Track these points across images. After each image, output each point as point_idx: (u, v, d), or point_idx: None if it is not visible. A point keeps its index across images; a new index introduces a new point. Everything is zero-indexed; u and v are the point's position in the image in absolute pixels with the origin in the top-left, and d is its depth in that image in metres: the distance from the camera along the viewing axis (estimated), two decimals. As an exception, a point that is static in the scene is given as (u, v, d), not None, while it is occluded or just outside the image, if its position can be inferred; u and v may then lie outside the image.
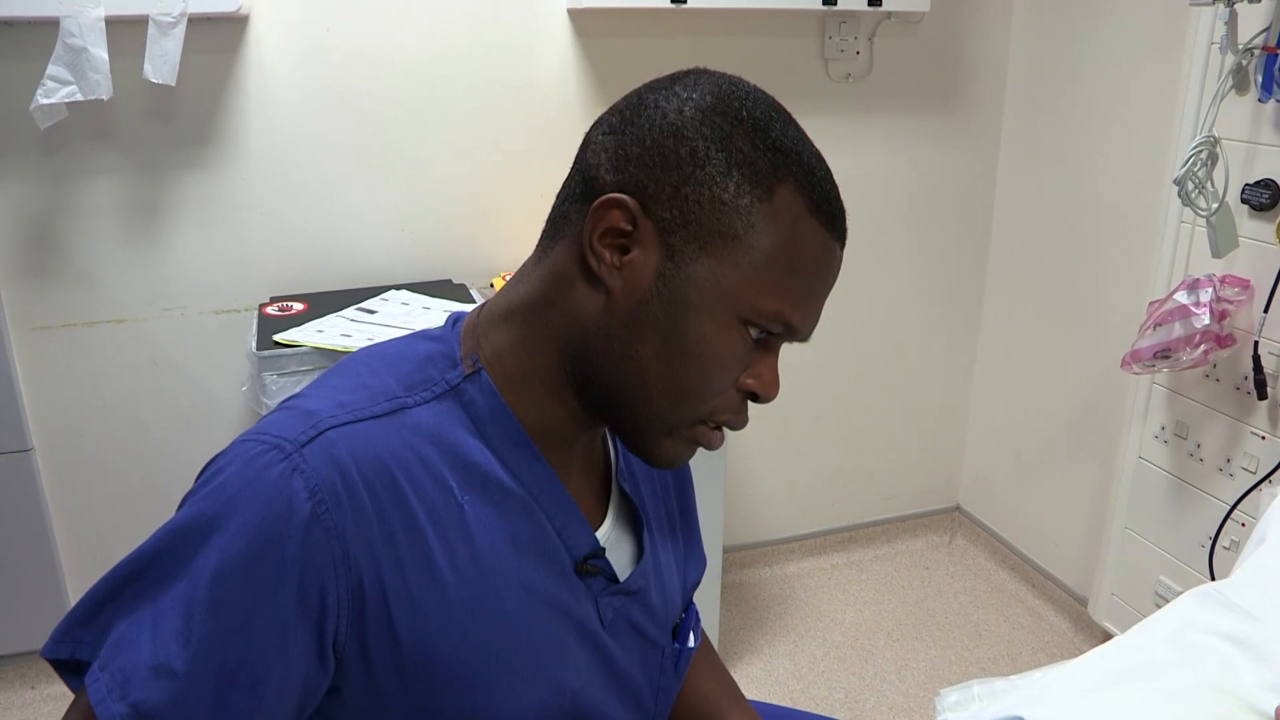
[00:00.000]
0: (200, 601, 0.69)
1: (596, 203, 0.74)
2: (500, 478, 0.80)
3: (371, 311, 2.01)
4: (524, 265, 0.85)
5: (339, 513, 0.71)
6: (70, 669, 0.75)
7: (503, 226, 2.26)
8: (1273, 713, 0.89)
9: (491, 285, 2.22)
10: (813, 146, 0.77)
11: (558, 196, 0.82)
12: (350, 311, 2.00)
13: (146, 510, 2.18)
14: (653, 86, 0.78)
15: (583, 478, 0.88)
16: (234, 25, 2.00)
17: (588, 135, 0.80)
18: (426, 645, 0.75)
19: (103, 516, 2.20)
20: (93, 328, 2.09)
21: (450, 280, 2.23)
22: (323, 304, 2.04)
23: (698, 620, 1.03)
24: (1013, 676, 1.04)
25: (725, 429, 0.82)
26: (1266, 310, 1.77)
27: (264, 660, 0.70)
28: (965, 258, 2.70)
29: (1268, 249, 1.74)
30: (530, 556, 0.81)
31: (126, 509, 2.20)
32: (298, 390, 0.81)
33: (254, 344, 1.85)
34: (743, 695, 1.10)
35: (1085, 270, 2.39)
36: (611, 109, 0.79)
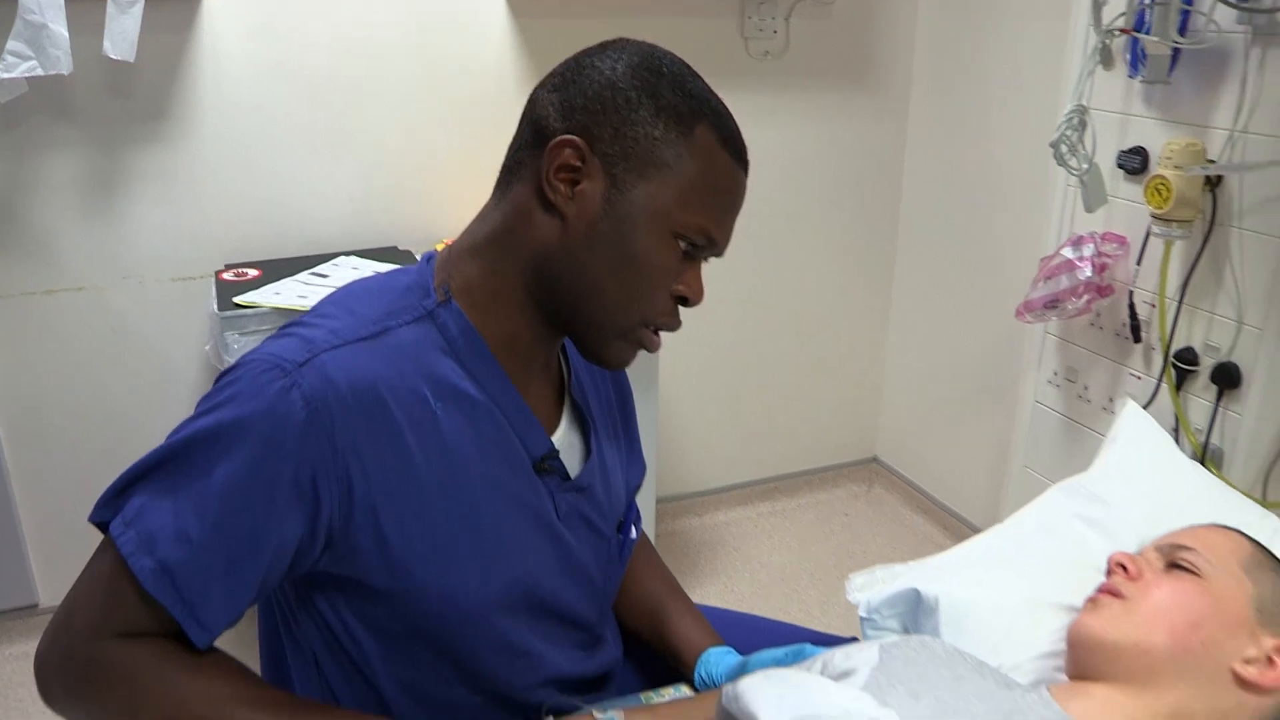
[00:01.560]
0: (215, 493, 0.85)
1: (551, 144, 0.90)
2: (468, 389, 0.95)
3: (324, 276, 2.13)
4: (484, 208, 1.01)
5: (330, 421, 0.86)
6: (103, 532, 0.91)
7: (446, 196, 2.39)
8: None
9: (436, 251, 2.35)
10: (718, 97, 0.95)
11: (509, 148, 0.99)
12: (304, 276, 2.12)
13: (107, 474, 2.27)
14: (588, 52, 0.96)
15: (540, 390, 1.04)
16: (189, 5, 2.10)
17: (533, 95, 0.97)
18: (406, 533, 0.91)
19: (63, 481, 2.29)
20: (52, 296, 2.18)
21: (396, 247, 2.36)
22: (277, 270, 2.15)
23: (639, 517, 1.20)
24: (910, 562, 1.22)
25: (663, 332, 0.98)
26: (1139, 263, 1.98)
27: (263, 535, 0.86)
28: (878, 223, 2.90)
29: (1139, 208, 1.94)
30: (494, 456, 0.97)
31: (87, 473, 2.29)
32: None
33: (215, 306, 1.97)
34: (682, 589, 1.27)
35: (986, 231, 2.60)
36: (552, 72, 0.97)
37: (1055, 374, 2.26)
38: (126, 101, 2.11)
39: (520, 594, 1.00)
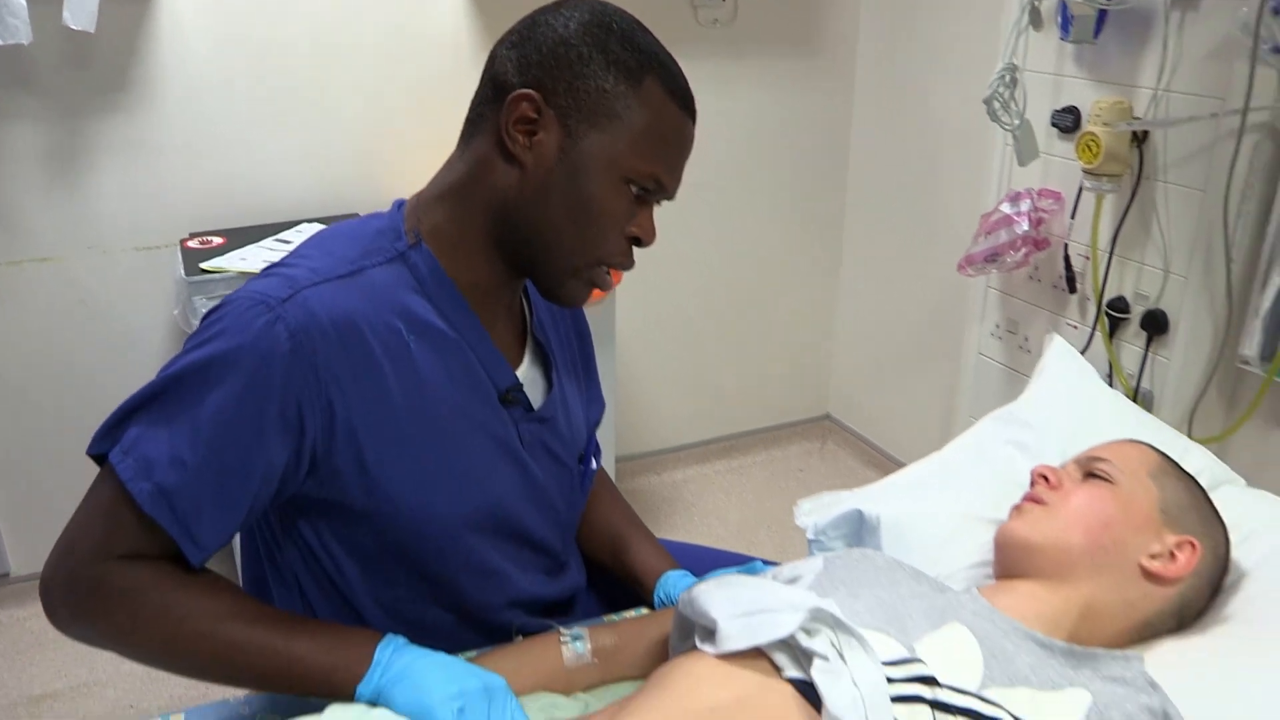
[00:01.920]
0: (207, 417, 0.91)
1: (509, 98, 0.97)
2: (438, 325, 1.02)
3: (288, 242, 2.18)
4: (449, 158, 1.07)
5: (313, 351, 0.93)
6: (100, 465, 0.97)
7: (404, 163, 2.44)
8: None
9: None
10: (666, 50, 1.02)
11: (471, 103, 1.05)
12: (268, 242, 2.17)
13: (76, 442, 2.30)
14: (543, 10, 1.03)
15: (504, 328, 1.11)
16: (146, -25, 2.13)
17: (493, 51, 1.03)
18: (383, 456, 0.98)
19: (33, 450, 2.32)
20: (17, 266, 2.20)
21: (358, 214, 2.40)
22: (241, 238, 2.20)
23: (599, 450, 1.27)
24: (854, 490, 1.31)
25: (618, 270, 1.05)
26: (1073, 216, 2.08)
27: (252, 459, 0.93)
28: (826, 185, 2.99)
29: (1073, 165, 2.04)
30: (463, 387, 1.04)
31: (56, 442, 2.32)
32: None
33: (182, 272, 2.01)
34: (640, 520, 1.35)
35: (930, 191, 2.70)
36: (510, 30, 1.03)
37: (997, 326, 2.36)
38: (87, 72, 2.13)
39: (488, 516, 1.07)
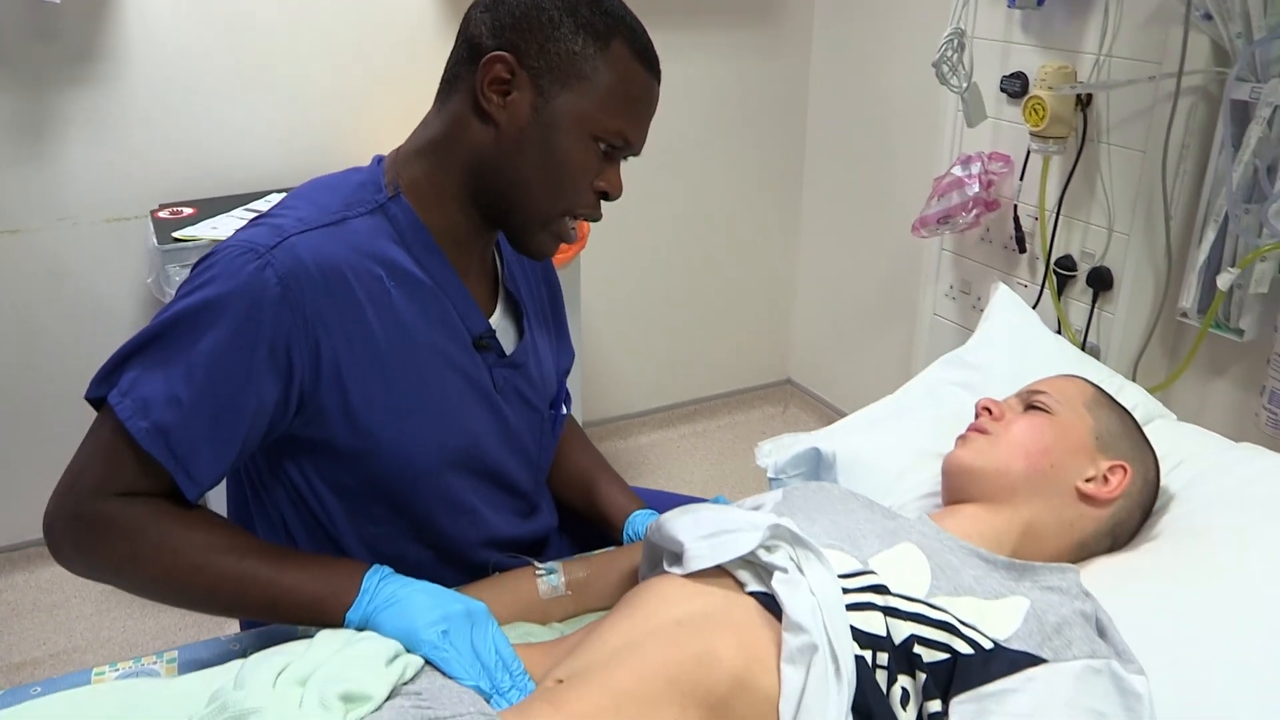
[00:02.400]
0: (201, 359, 0.96)
1: (484, 59, 1.02)
2: (416, 273, 1.08)
3: (258, 210, 2.21)
4: (426, 116, 1.12)
5: (300, 295, 0.98)
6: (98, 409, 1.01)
7: (371, 133, 2.47)
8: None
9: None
10: (633, 13, 1.07)
11: (447, 63, 1.11)
12: (239, 211, 2.20)
13: (50, 413, 2.34)
14: None
15: (478, 279, 1.17)
16: (111, -53, 2.14)
17: (467, 14, 1.09)
18: (367, 394, 1.04)
19: (3, 420, 2.34)
20: (-14, 238, 2.22)
21: (327, 185, 2.44)
22: (211, 208, 2.23)
23: (569, 397, 1.33)
24: (812, 431, 1.38)
25: (586, 221, 1.11)
26: (1022, 179, 2.16)
27: (244, 397, 0.98)
28: (785, 152, 3.06)
29: (1021, 129, 2.11)
30: (440, 332, 1.10)
31: (27, 412, 2.35)
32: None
33: (155, 241, 2.04)
34: (610, 466, 1.41)
35: (884, 155, 2.78)
36: None
37: (951, 287, 2.44)
38: (53, 44, 2.15)
39: (464, 455, 1.13)
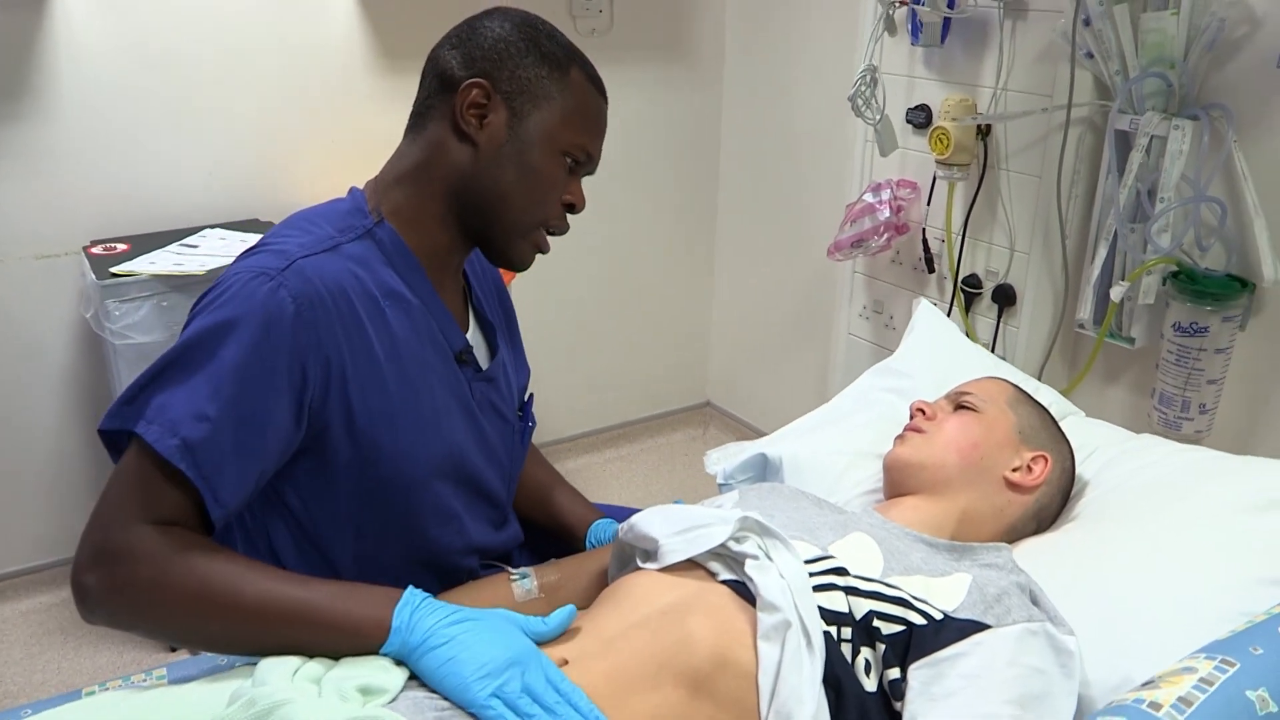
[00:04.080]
0: (224, 375, 1.01)
1: (463, 86, 1.12)
2: (405, 292, 1.15)
3: (194, 246, 2.24)
4: (399, 148, 1.21)
5: (313, 314, 1.05)
6: (112, 444, 1.05)
7: (300, 169, 2.52)
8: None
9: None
10: (579, 49, 1.19)
11: (416, 99, 1.20)
12: (174, 247, 2.23)
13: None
14: (476, 18, 1.19)
15: (453, 297, 1.25)
16: (39, -15, 2.15)
17: (433, 54, 1.19)
18: (368, 404, 1.10)
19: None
20: (-89, 278, 2.20)
21: (258, 219, 2.47)
22: (144, 244, 2.24)
23: (532, 405, 1.41)
24: (756, 440, 1.48)
25: (554, 235, 1.21)
26: (929, 203, 2.31)
27: (265, 413, 1.03)
28: (700, 183, 3.19)
29: (926, 157, 2.27)
30: (427, 347, 1.17)
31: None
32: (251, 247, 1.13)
33: (93, 276, 2.05)
34: (564, 478, 1.49)
35: (796, 184, 2.92)
36: (447, 35, 1.19)
37: (864, 307, 2.58)
38: (-18, 82, 2.15)
39: (450, 462, 1.20)
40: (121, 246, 2.23)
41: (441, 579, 1.25)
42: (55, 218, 2.28)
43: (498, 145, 1.13)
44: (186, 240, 2.26)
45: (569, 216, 1.22)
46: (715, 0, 3.01)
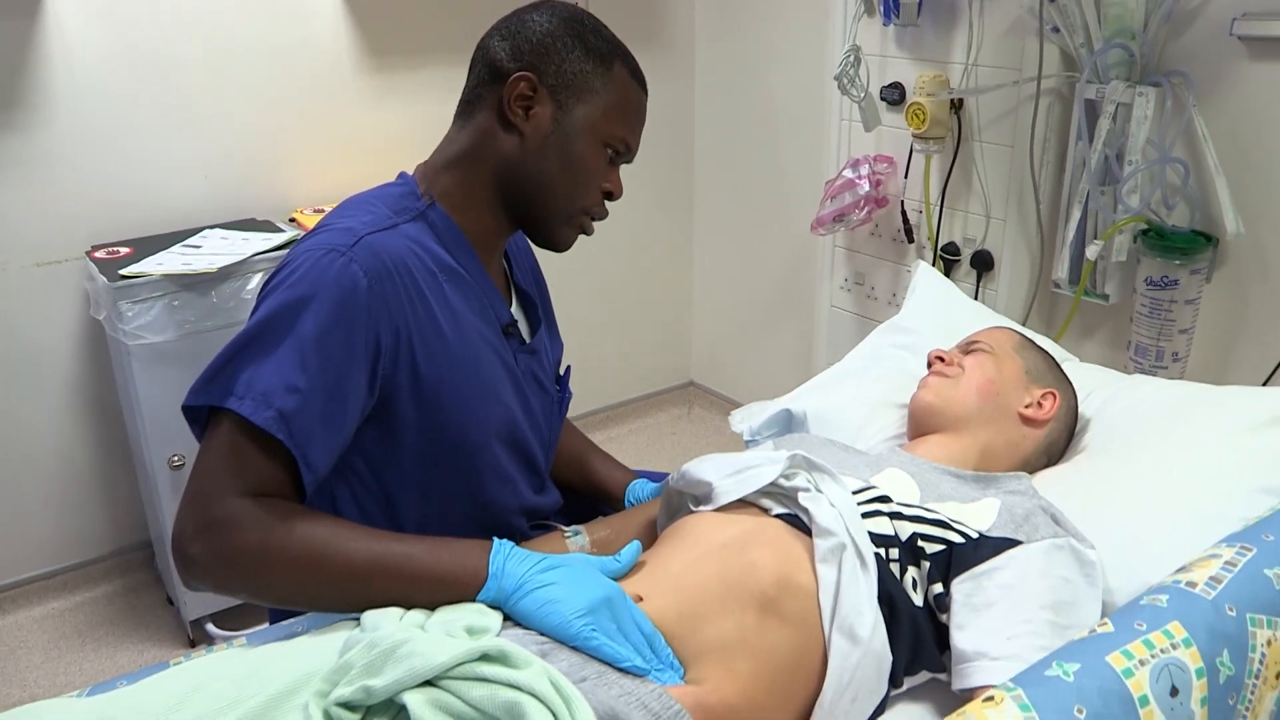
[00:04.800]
0: (308, 346, 1.08)
1: (510, 79, 1.18)
2: (457, 269, 1.22)
3: (197, 246, 2.28)
4: (448, 134, 1.28)
5: (383, 287, 1.12)
6: (195, 419, 1.11)
7: (294, 167, 2.57)
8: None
9: (292, 219, 2.53)
10: (623, 42, 1.26)
11: (466, 86, 1.26)
12: (177, 248, 2.27)
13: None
14: (524, 10, 1.25)
15: (497, 275, 1.32)
16: (32, -8, 2.18)
17: (482, 43, 1.25)
18: (434, 369, 1.17)
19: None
20: (-85, 289, 2.22)
21: (255, 218, 2.52)
22: (146, 247, 2.29)
23: (569, 378, 1.49)
24: (779, 399, 1.58)
25: (595, 219, 1.29)
26: (906, 177, 2.43)
27: (346, 382, 1.10)
28: (676, 167, 3.29)
29: (902, 132, 2.37)
30: (480, 319, 1.25)
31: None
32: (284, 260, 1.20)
33: (104, 279, 2.10)
34: (596, 445, 1.57)
35: (772, 163, 3.03)
36: (495, 27, 1.25)
37: (846, 280, 2.68)
38: (-23, 92, 2.18)
39: (505, 426, 1.28)
40: (124, 250, 2.27)
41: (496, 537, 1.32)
42: (55, 224, 2.32)
43: (543, 136, 1.20)
44: (189, 241, 2.31)
45: (607, 203, 1.29)
46: (685, -10, 3.11)
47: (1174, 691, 0.89)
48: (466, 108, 1.25)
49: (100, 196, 2.35)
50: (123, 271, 2.10)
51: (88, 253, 2.27)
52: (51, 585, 2.54)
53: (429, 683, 0.89)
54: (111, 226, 2.37)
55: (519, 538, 1.35)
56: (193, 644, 2.40)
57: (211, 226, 2.42)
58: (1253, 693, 0.95)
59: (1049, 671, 0.89)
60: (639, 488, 1.47)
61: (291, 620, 1.26)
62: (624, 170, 1.30)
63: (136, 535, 2.62)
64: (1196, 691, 0.90)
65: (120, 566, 2.61)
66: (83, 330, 2.41)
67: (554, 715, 0.84)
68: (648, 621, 1.03)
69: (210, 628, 2.40)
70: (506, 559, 1.08)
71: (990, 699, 0.86)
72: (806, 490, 1.10)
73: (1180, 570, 1.02)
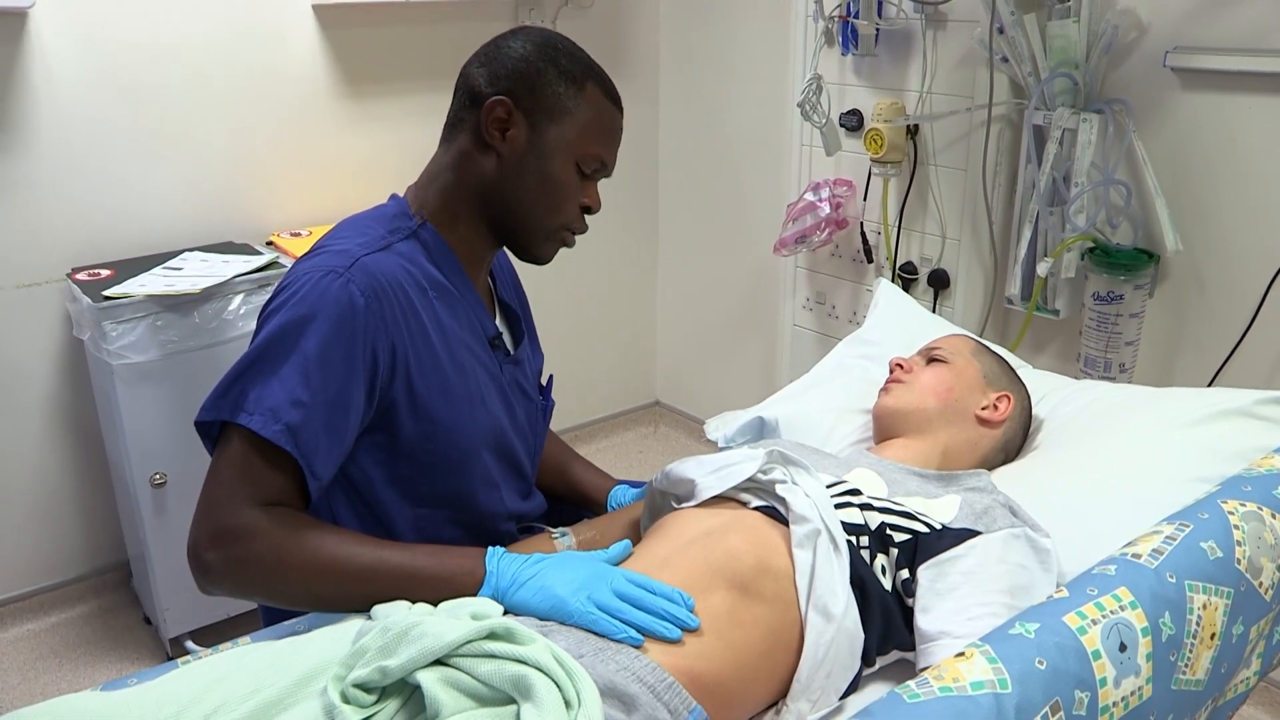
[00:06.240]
0: (310, 364, 1.15)
1: (486, 104, 1.26)
2: (446, 285, 1.30)
3: (178, 269, 2.33)
4: (435, 156, 1.35)
5: (379, 306, 1.19)
6: (207, 434, 1.18)
7: (271, 191, 2.63)
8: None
9: (270, 242, 2.58)
10: (597, 63, 1.33)
11: (449, 111, 1.33)
12: (158, 270, 2.32)
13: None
14: (502, 37, 1.32)
15: (482, 289, 1.39)
16: (15, 19, 2.22)
17: (463, 70, 1.32)
18: (427, 382, 1.24)
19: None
20: (-105, 312, 2.25)
21: (232, 241, 2.57)
22: (127, 269, 2.33)
23: (551, 387, 1.56)
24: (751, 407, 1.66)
25: (575, 233, 1.36)
26: (865, 199, 2.53)
27: (347, 395, 1.17)
28: (641, 193, 3.38)
29: (861, 157, 2.49)
30: (468, 332, 1.32)
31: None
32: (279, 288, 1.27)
33: (88, 301, 2.14)
34: (578, 453, 1.64)
35: (734, 188, 3.14)
36: (476, 53, 1.32)
37: (808, 299, 2.79)
38: (-38, 118, 2.22)
39: (493, 435, 1.35)
40: (105, 272, 2.31)
41: (486, 543, 1.38)
42: (36, 246, 2.35)
43: (519, 156, 1.27)
44: (169, 263, 2.35)
45: (586, 217, 1.37)
46: (649, 19, 3.21)
47: (1123, 647, 0.99)
48: (449, 131, 1.32)
49: (81, 219, 2.40)
50: (107, 293, 2.15)
51: (69, 274, 2.32)
52: (27, 606, 2.55)
53: (439, 662, 0.95)
54: (92, 249, 2.41)
55: (506, 542, 1.41)
56: (172, 661, 2.42)
57: (191, 249, 2.47)
58: (1191, 650, 1.06)
59: (1013, 630, 1.00)
60: (620, 493, 1.54)
61: (292, 620, 1.30)
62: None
63: (113, 555, 2.64)
64: (1142, 648, 1.01)
65: (96, 586, 2.63)
66: (62, 351, 2.44)
67: (558, 686, 0.91)
68: (644, 576, 1.09)
69: (190, 644, 2.43)
70: (500, 559, 1.16)
71: (961, 654, 0.95)
72: (784, 483, 1.18)
73: (1127, 545, 1.12)
